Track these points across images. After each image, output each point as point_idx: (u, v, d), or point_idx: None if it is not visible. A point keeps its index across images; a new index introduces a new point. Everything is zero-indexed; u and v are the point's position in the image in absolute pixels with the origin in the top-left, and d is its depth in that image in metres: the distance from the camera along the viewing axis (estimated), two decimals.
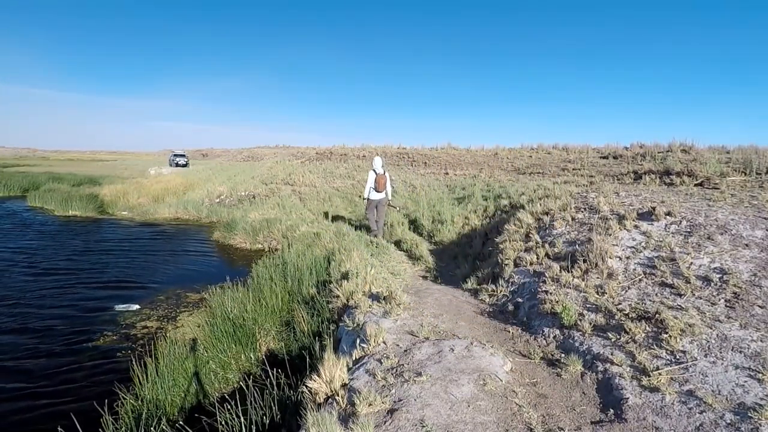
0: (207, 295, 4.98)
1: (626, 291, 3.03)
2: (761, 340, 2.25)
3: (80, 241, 9.66)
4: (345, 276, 4.43)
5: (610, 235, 3.81)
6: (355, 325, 3.07)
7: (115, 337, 4.68)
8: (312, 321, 3.91)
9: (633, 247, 3.55)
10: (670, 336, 2.37)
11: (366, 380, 2.22)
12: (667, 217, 3.84)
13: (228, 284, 4.79)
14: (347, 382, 2.25)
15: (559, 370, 2.45)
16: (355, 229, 7.50)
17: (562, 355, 2.62)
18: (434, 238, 7.58)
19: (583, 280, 3.34)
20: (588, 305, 3.00)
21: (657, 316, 2.58)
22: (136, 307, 5.52)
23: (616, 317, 2.74)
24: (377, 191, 7.19)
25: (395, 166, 17.32)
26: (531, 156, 13.58)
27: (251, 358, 3.82)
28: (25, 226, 11.23)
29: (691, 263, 3.09)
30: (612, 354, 2.42)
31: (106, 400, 2.95)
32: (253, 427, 2.41)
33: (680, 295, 2.79)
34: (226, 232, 9.91)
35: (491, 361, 2.40)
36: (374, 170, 7.17)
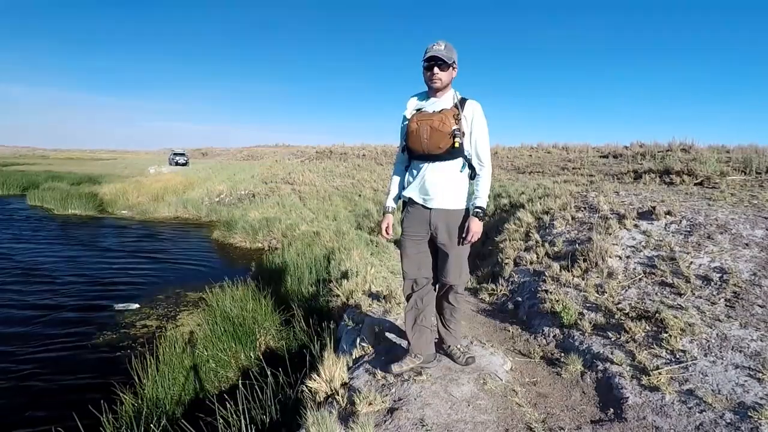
0: (207, 294, 4.98)
1: (626, 290, 3.03)
2: (761, 340, 2.25)
3: (79, 240, 9.66)
4: (345, 275, 4.43)
5: (610, 234, 3.81)
6: (355, 324, 3.07)
7: (114, 336, 4.68)
8: (312, 320, 3.91)
9: (633, 246, 3.55)
10: (670, 335, 2.37)
11: (366, 379, 2.22)
12: (667, 216, 3.84)
13: (228, 283, 4.80)
14: (347, 381, 2.25)
15: (559, 369, 2.45)
16: (356, 228, 7.49)
17: (562, 354, 2.61)
18: None
19: (583, 279, 3.34)
20: (588, 304, 3.00)
21: (657, 315, 2.58)
22: (135, 306, 5.52)
23: (616, 316, 2.74)
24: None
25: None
26: (531, 155, 13.58)
27: (251, 356, 3.82)
28: (25, 225, 11.22)
29: (691, 262, 3.09)
30: (612, 353, 2.42)
31: (106, 399, 2.95)
32: (253, 426, 2.41)
33: (680, 295, 2.79)
34: (226, 231, 9.91)
35: (491, 361, 2.40)
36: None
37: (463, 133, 1.94)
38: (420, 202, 2.05)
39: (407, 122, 1.99)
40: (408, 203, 2.12)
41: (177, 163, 30.36)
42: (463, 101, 1.99)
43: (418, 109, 2.01)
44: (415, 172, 2.07)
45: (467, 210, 2.05)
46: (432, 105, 2.00)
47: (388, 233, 2.18)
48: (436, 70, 1.90)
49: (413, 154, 2.02)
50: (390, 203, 2.20)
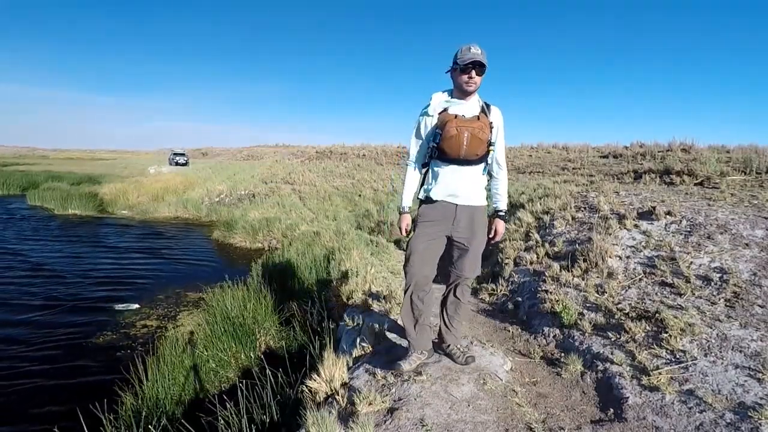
0: (207, 294, 4.98)
1: (626, 290, 3.03)
2: (761, 340, 2.25)
3: (79, 240, 9.66)
4: (345, 275, 4.44)
5: (610, 234, 3.81)
6: (355, 324, 3.07)
7: (114, 336, 4.68)
8: (312, 320, 3.91)
9: (633, 246, 3.55)
10: (670, 335, 2.37)
11: (366, 379, 2.22)
12: (667, 216, 3.84)
13: (228, 283, 4.79)
14: (347, 381, 2.25)
15: (559, 369, 2.45)
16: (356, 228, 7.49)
17: (562, 354, 2.61)
18: None
19: (583, 279, 3.34)
20: (588, 304, 3.00)
21: (657, 315, 2.58)
22: (135, 306, 5.52)
23: (616, 316, 2.74)
24: None
25: (395, 165, 17.32)
26: (531, 155, 13.57)
27: (251, 356, 3.82)
28: (25, 225, 11.22)
29: (691, 263, 3.09)
30: (612, 353, 2.42)
31: (106, 399, 2.95)
32: (253, 426, 2.41)
33: (680, 295, 2.79)
34: (226, 231, 9.91)
35: (491, 361, 2.40)
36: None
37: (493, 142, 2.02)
38: (446, 200, 2.05)
39: (445, 126, 1.92)
40: (427, 201, 2.09)
41: (177, 163, 30.34)
42: (488, 107, 2.03)
43: (444, 109, 1.98)
44: (438, 172, 2.05)
45: (485, 207, 2.13)
46: (461, 107, 1.98)
47: (407, 233, 2.16)
48: (473, 73, 1.90)
49: (446, 157, 1.98)
50: (407, 203, 2.16)
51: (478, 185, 2.09)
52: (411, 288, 2.13)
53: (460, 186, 2.03)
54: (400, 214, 2.17)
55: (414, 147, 2.13)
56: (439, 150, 1.98)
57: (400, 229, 2.17)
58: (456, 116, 1.94)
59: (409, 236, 2.17)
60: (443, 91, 2.06)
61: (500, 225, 2.12)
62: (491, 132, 1.99)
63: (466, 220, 2.06)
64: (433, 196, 2.06)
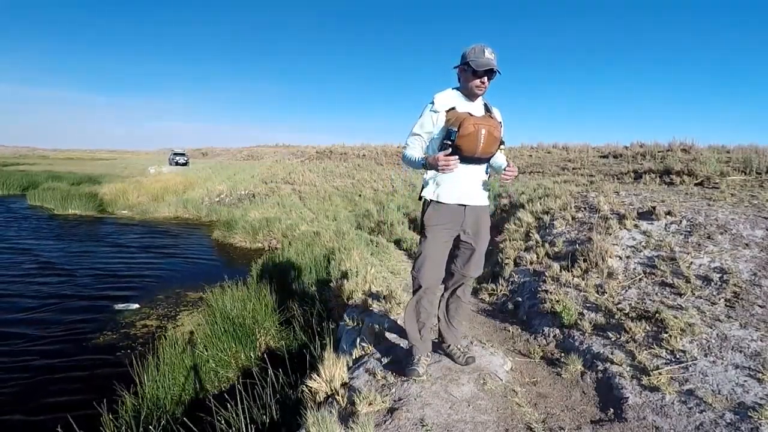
0: (207, 294, 4.98)
1: (626, 290, 3.03)
2: (761, 340, 2.25)
3: (79, 239, 9.66)
4: (345, 275, 4.43)
5: (611, 234, 3.81)
6: (355, 324, 3.07)
7: (114, 336, 4.68)
8: (312, 320, 3.91)
9: (633, 246, 3.55)
10: (670, 335, 2.37)
11: (366, 379, 2.22)
12: (667, 216, 3.84)
13: (228, 283, 4.79)
14: (347, 381, 2.25)
15: (559, 369, 2.45)
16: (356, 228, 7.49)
17: (562, 354, 2.62)
18: None
19: (583, 279, 3.34)
20: (588, 304, 3.00)
21: (657, 315, 2.58)
22: (135, 306, 5.52)
23: (616, 317, 2.74)
24: None
25: (395, 165, 17.31)
26: (531, 155, 13.57)
27: (251, 356, 3.83)
28: (25, 224, 11.22)
29: (691, 263, 3.09)
30: (612, 353, 2.42)
31: (106, 399, 2.95)
32: (253, 426, 2.41)
33: (680, 295, 2.79)
34: (226, 231, 9.91)
35: (491, 361, 2.40)
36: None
37: None
38: (454, 201, 2.01)
39: (462, 123, 1.85)
40: (434, 203, 2.04)
41: (177, 163, 30.33)
42: (489, 107, 2.04)
43: (452, 107, 1.95)
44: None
45: (488, 207, 2.14)
46: (470, 107, 1.97)
47: (450, 161, 1.87)
48: (485, 79, 1.90)
49: (460, 155, 1.90)
50: (421, 155, 2.01)
51: (482, 185, 2.09)
52: (421, 292, 2.10)
53: (468, 186, 2.01)
54: (427, 162, 1.93)
55: (414, 143, 2.04)
56: (453, 148, 1.88)
57: (443, 165, 1.83)
58: (470, 113, 1.92)
59: (419, 237, 2.12)
60: (453, 88, 2.02)
61: (512, 164, 2.01)
62: (501, 130, 1.99)
63: (472, 220, 2.05)
64: (442, 198, 2.01)
